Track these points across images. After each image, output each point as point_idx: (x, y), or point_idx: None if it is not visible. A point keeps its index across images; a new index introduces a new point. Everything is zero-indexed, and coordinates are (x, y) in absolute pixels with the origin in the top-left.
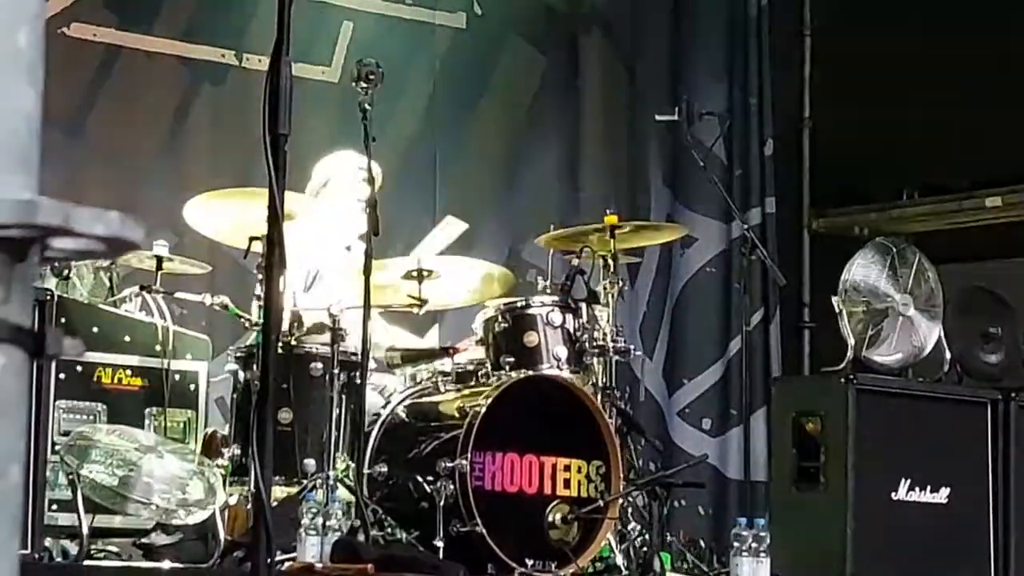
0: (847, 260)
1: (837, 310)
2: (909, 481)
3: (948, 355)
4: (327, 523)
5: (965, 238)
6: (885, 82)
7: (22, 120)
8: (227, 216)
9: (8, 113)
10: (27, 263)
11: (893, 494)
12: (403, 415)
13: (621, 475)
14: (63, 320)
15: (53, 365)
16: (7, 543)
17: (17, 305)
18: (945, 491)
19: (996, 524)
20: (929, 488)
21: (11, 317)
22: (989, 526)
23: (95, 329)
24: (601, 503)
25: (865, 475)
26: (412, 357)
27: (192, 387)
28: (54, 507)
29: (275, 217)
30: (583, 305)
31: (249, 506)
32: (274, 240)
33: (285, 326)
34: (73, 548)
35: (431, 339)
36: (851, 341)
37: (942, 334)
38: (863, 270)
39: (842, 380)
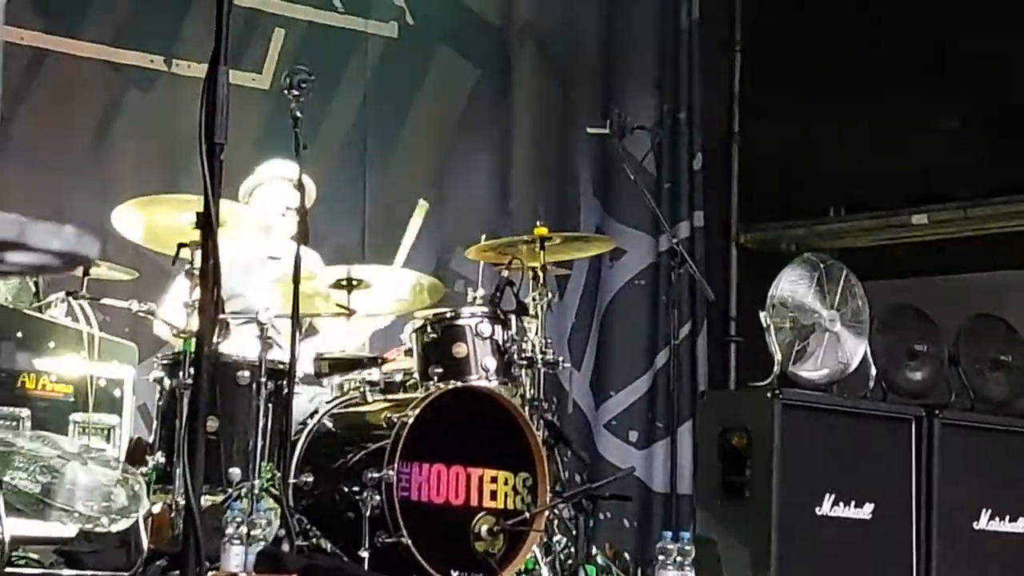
0: (774, 275)
1: (764, 325)
2: (833, 496)
3: (873, 371)
4: (251, 532)
5: (891, 255)
6: (814, 98)
7: None
8: (154, 222)
9: None
10: None
11: (817, 509)
12: (330, 425)
13: (548, 487)
14: None
15: None
16: None
17: None
18: (869, 506)
19: (919, 540)
20: (853, 503)
21: None
22: (912, 542)
23: (19, 334)
24: (527, 515)
25: (790, 489)
26: (340, 366)
27: (117, 394)
28: None
29: (210, 226)
30: (512, 316)
31: (173, 515)
32: (209, 249)
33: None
34: None
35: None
36: (778, 356)
37: (868, 351)
38: (791, 285)
39: (768, 395)
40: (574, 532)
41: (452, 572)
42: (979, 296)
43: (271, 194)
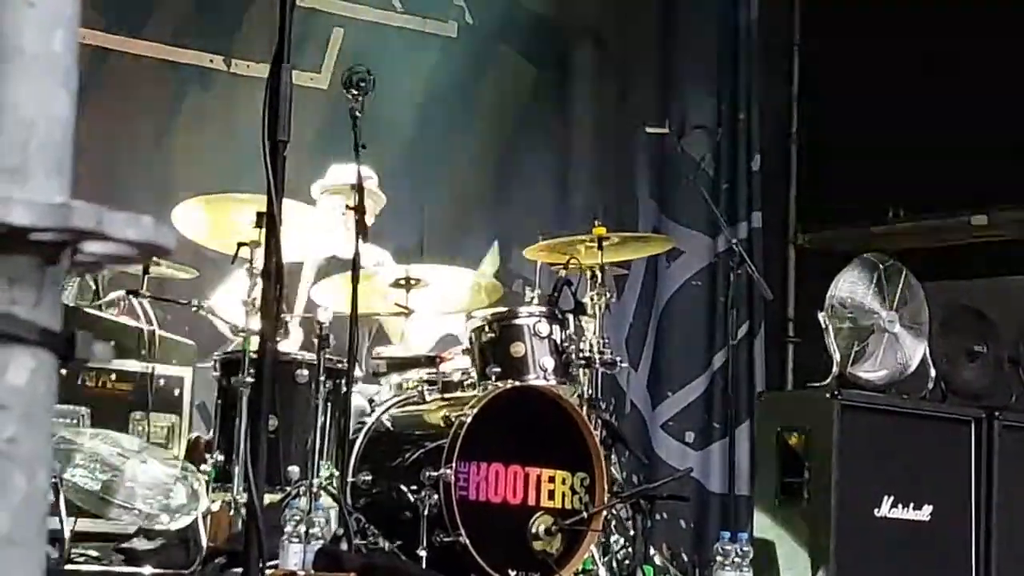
0: (832, 276)
1: (823, 325)
2: (892, 498)
3: (933, 373)
4: (310, 531)
5: (951, 256)
6: (873, 99)
7: (57, 124)
8: (214, 221)
9: (44, 118)
10: (58, 267)
11: (876, 510)
12: (388, 424)
13: (605, 487)
14: None
15: None
16: (35, 545)
17: (47, 309)
18: (928, 508)
19: (978, 542)
20: (912, 505)
21: (41, 320)
22: (971, 544)
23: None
24: (585, 515)
25: (848, 491)
26: (398, 365)
27: (176, 392)
28: None
29: (273, 223)
30: (570, 316)
31: (232, 512)
32: (271, 247)
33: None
34: (54, 552)
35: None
36: (836, 357)
37: (927, 352)
38: (850, 286)
39: (827, 396)
40: (632, 532)
41: (510, 571)
42: None
43: (336, 202)
